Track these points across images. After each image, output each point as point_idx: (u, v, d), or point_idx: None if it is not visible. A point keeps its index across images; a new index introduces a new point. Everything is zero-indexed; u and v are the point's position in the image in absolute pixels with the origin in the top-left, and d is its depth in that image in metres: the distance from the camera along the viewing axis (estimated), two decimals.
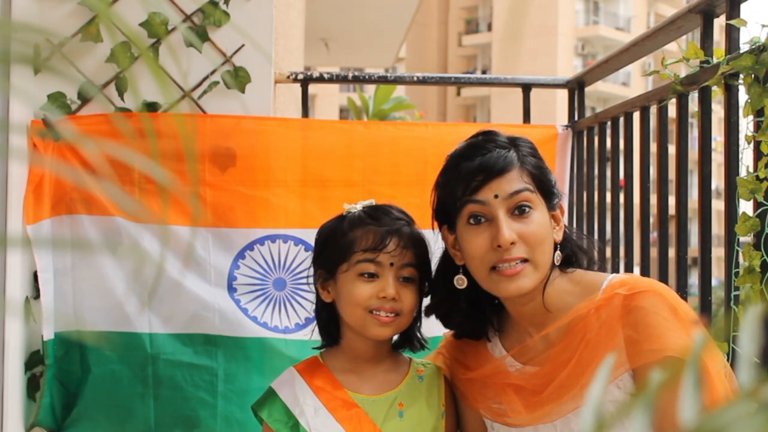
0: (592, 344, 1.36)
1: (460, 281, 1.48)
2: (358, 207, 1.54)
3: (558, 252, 1.44)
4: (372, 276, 1.46)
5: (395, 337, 1.57)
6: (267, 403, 1.52)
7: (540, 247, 1.38)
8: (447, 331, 1.64)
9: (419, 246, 1.50)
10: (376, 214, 1.50)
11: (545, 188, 1.42)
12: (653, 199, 2.12)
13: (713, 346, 1.32)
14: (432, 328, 1.64)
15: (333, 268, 1.50)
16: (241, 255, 2.20)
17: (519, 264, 1.37)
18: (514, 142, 1.44)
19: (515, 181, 1.39)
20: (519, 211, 1.38)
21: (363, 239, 1.47)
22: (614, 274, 1.45)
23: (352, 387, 1.51)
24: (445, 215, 1.47)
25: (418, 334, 1.58)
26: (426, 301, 1.58)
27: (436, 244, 1.56)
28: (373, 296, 1.45)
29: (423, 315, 1.57)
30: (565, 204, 2.50)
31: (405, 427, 1.49)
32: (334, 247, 1.50)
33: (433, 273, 1.55)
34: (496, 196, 1.38)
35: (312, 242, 1.61)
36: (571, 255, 1.47)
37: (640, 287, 1.34)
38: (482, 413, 1.53)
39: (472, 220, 1.41)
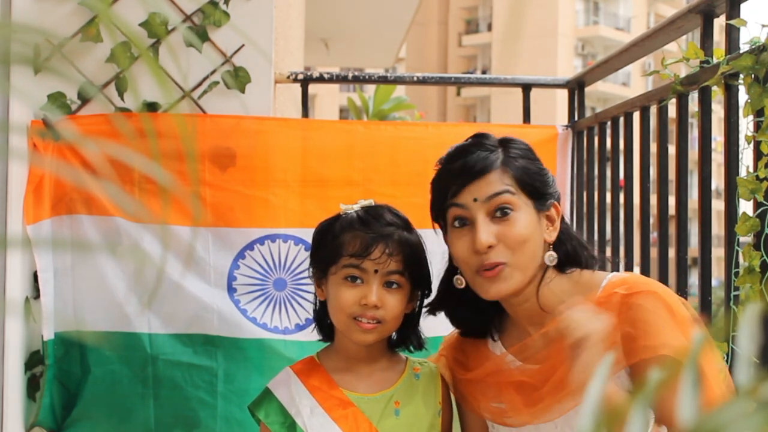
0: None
1: (459, 281, 1.47)
2: (356, 207, 1.53)
3: (551, 252, 1.42)
4: (356, 280, 1.46)
5: (394, 336, 1.57)
6: (264, 403, 1.52)
7: (521, 248, 1.37)
8: (447, 332, 1.64)
9: (409, 252, 1.48)
10: (367, 218, 1.49)
11: (531, 189, 1.40)
12: (653, 199, 2.12)
13: (711, 348, 1.31)
14: (432, 328, 1.63)
15: (324, 268, 1.51)
16: (241, 255, 2.20)
17: (498, 267, 1.36)
18: (504, 143, 1.43)
19: (495, 183, 1.38)
20: (500, 213, 1.37)
21: (350, 244, 1.47)
22: (614, 273, 1.44)
23: (348, 386, 1.51)
24: (437, 217, 1.48)
25: (416, 335, 1.57)
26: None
27: (435, 244, 1.56)
28: (356, 303, 1.45)
29: (426, 313, 1.57)
30: (565, 204, 2.53)
31: (401, 425, 1.49)
32: (325, 249, 1.51)
33: (439, 273, 1.55)
34: (475, 200, 1.38)
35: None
36: (570, 254, 1.45)
37: (639, 287, 1.34)
38: (483, 414, 1.53)
39: (456, 223, 1.41)
